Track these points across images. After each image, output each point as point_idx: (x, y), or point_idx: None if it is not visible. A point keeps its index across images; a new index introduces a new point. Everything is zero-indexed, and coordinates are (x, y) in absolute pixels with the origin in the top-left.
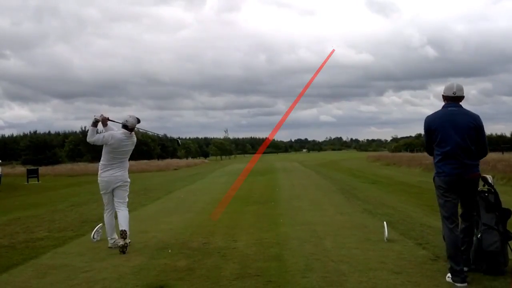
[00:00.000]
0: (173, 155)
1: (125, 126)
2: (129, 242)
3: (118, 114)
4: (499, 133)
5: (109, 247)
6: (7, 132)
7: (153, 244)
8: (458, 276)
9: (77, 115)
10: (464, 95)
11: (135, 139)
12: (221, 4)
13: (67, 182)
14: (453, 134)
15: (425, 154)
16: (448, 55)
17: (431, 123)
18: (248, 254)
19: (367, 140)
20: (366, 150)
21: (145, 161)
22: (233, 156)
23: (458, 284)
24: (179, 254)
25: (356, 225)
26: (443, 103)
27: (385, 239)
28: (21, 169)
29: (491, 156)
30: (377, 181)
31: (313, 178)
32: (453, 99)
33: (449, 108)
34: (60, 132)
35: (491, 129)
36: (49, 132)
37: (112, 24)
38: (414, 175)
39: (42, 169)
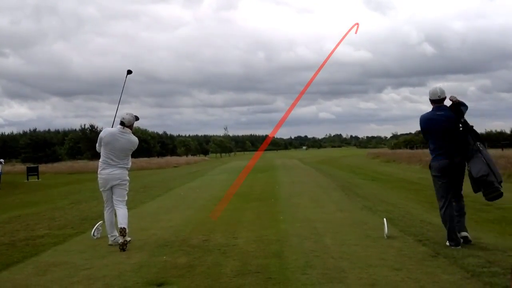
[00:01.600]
0: (173, 152)
1: (121, 123)
2: (129, 240)
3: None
4: (498, 130)
5: (109, 245)
6: (6, 130)
7: (153, 241)
8: (453, 240)
9: (77, 113)
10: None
11: (133, 137)
12: (219, 2)
13: (67, 179)
14: (440, 133)
15: (425, 150)
16: (446, 52)
17: (424, 124)
18: (248, 251)
19: (367, 137)
20: (366, 147)
21: (145, 158)
22: (233, 153)
23: (454, 247)
24: (179, 251)
25: (356, 222)
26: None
27: (385, 235)
28: (21, 167)
29: (492, 152)
30: (377, 178)
31: (313, 175)
32: (439, 101)
33: (437, 113)
34: (60, 130)
35: (490, 125)
36: (49, 130)
37: (111, 22)
38: (414, 172)
39: (42, 167)
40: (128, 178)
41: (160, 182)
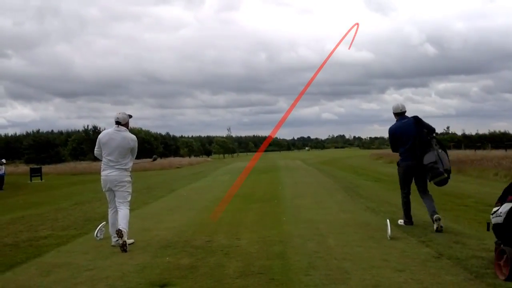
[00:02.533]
0: (176, 153)
1: (117, 122)
2: (132, 242)
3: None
4: (502, 130)
5: (113, 245)
6: (10, 131)
7: (156, 242)
8: (408, 221)
9: (80, 114)
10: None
11: (129, 134)
12: (220, 3)
13: (70, 180)
14: (408, 137)
15: None
16: (448, 52)
17: (395, 131)
18: (251, 252)
19: (370, 137)
20: (369, 148)
21: (148, 159)
22: (235, 154)
23: (408, 225)
24: (182, 252)
25: (359, 223)
26: (445, 100)
27: (388, 237)
28: (24, 168)
29: (495, 153)
30: (380, 179)
31: (316, 176)
32: (401, 114)
33: (403, 121)
34: (63, 131)
35: (494, 126)
36: (52, 131)
37: (113, 23)
38: None
39: (45, 168)
40: (128, 179)
41: (163, 183)
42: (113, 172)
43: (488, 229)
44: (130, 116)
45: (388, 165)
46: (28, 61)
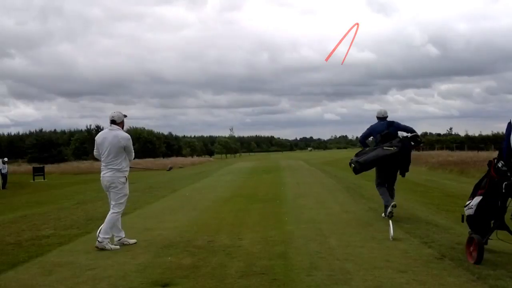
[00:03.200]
0: (178, 153)
1: (112, 121)
2: (134, 241)
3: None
4: (505, 132)
5: (115, 245)
6: (13, 130)
7: (158, 242)
8: (387, 208)
9: (82, 113)
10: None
11: (121, 132)
12: (222, 4)
13: (73, 180)
14: (375, 135)
15: (431, 152)
16: (450, 53)
17: (373, 128)
18: (253, 252)
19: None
20: None
21: (151, 159)
22: (238, 154)
23: (389, 209)
24: (184, 252)
25: (361, 224)
26: (448, 101)
27: (390, 237)
28: (27, 167)
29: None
30: None
31: (318, 177)
32: (383, 119)
33: (380, 123)
34: (66, 130)
35: (497, 127)
36: (55, 130)
37: (116, 23)
38: (420, 174)
39: (48, 167)
40: (122, 180)
41: (165, 183)
42: (107, 173)
43: (462, 221)
44: (125, 116)
45: None
46: (31, 61)
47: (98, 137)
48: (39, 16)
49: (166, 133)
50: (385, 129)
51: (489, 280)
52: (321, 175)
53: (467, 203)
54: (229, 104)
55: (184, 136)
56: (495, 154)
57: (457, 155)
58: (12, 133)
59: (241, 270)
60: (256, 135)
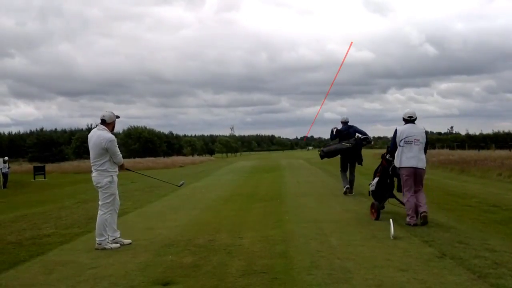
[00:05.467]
0: (179, 152)
1: (102, 121)
2: (129, 242)
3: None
4: (506, 130)
5: (115, 244)
6: (13, 130)
7: (159, 241)
8: (346, 190)
9: (83, 113)
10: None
11: (105, 133)
12: (220, 4)
13: (74, 179)
14: (342, 134)
15: (432, 151)
16: (448, 53)
17: (339, 130)
18: (254, 251)
19: (373, 137)
20: (372, 147)
21: (151, 158)
22: (238, 153)
23: (344, 190)
24: (185, 250)
25: (362, 222)
26: (448, 100)
27: (391, 236)
28: (28, 166)
29: (499, 153)
30: None
31: (319, 176)
32: (346, 123)
33: (343, 126)
34: (67, 129)
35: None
36: (56, 129)
37: (115, 23)
38: None
39: (48, 166)
40: (107, 180)
41: (166, 182)
42: (93, 173)
43: (369, 195)
44: (117, 117)
45: None
46: (31, 60)
47: (88, 137)
48: (39, 17)
49: (166, 132)
50: (345, 130)
51: (490, 279)
52: (322, 174)
53: (371, 182)
54: (229, 103)
55: (185, 135)
56: (496, 153)
57: (458, 154)
58: (13, 132)
59: (242, 269)
60: (257, 134)
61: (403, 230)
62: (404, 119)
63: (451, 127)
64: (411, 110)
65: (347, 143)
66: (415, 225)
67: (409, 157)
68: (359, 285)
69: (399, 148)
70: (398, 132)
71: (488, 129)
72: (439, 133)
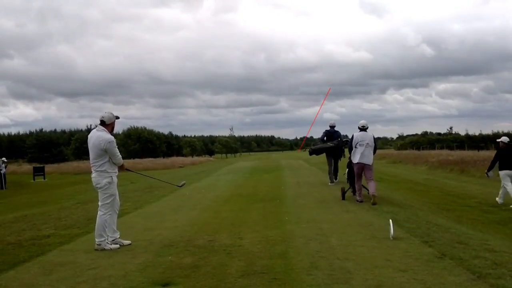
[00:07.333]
0: (179, 153)
1: (101, 122)
2: (129, 243)
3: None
4: (505, 131)
5: (115, 244)
6: (13, 130)
7: (158, 241)
8: (331, 180)
9: (82, 113)
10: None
11: (103, 134)
12: (218, 6)
13: (73, 179)
14: (326, 134)
15: (432, 152)
16: (445, 53)
17: (326, 132)
18: (253, 251)
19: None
20: None
21: (151, 159)
22: (238, 154)
23: (330, 184)
24: (184, 251)
25: (361, 223)
26: (446, 101)
27: (391, 236)
28: (27, 167)
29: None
30: (383, 178)
31: (319, 176)
32: (333, 127)
33: (328, 130)
34: (66, 130)
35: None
36: (55, 130)
37: (113, 24)
38: (420, 173)
39: (48, 167)
40: (106, 180)
41: (165, 183)
42: (93, 174)
43: (344, 174)
44: (117, 118)
45: (391, 165)
46: (30, 61)
47: (88, 137)
48: (38, 18)
49: (166, 132)
50: (332, 132)
51: (490, 279)
52: (322, 175)
53: (344, 172)
54: (228, 104)
55: (184, 135)
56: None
57: (457, 154)
58: (12, 133)
59: (242, 269)
60: (256, 135)
61: (403, 231)
62: (359, 128)
63: (451, 128)
64: (363, 121)
65: (331, 143)
66: (361, 201)
67: (359, 156)
68: (358, 286)
69: (354, 149)
70: (354, 138)
71: (487, 130)
72: (439, 134)
